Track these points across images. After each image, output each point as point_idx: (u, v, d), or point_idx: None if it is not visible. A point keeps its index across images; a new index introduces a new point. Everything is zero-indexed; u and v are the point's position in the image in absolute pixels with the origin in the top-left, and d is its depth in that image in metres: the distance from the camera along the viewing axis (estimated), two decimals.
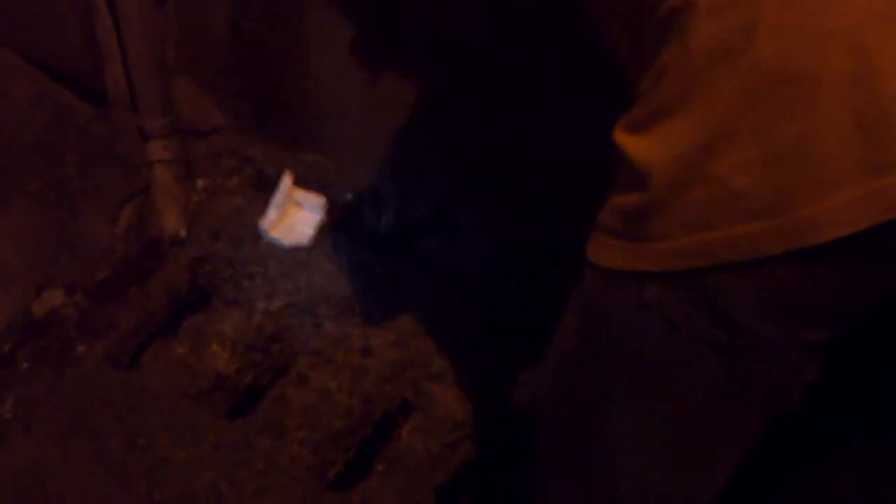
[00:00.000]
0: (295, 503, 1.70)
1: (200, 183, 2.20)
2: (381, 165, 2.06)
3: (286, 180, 2.14)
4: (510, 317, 1.99)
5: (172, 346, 1.95)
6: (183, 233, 2.11)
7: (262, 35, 2.05)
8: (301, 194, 2.15)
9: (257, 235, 2.11)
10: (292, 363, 1.94)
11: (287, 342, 1.98)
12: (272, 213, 2.11)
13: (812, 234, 0.76)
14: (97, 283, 1.98)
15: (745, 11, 0.78)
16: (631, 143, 0.89)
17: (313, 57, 2.01)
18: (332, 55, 1.97)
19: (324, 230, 2.14)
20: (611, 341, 0.98)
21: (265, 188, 2.19)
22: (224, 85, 2.20)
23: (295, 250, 2.09)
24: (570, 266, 1.04)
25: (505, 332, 1.96)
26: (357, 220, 2.14)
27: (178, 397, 1.83)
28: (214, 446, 1.76)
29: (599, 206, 0.98)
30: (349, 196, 2.14)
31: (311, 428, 1.81)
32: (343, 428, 1.83)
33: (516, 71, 1.74)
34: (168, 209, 2.12)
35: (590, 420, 1.06)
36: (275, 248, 2.09)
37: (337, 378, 1.88)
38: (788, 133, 0.76)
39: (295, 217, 2.14)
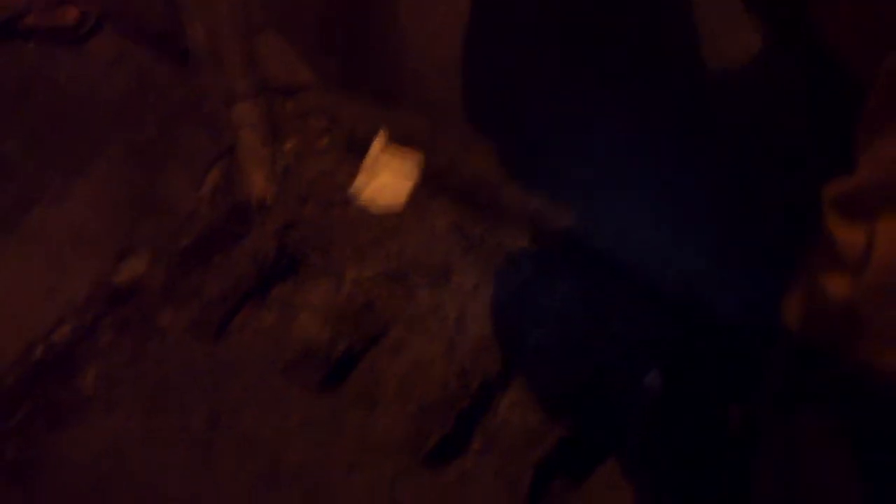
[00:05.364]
0: (387, 481, 1.62)
1: (288, 144, 2.11)
2: None
3: (377, 142, 2.03)
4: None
5: (259, 316, 1.88)
6: (270, 197, 2.02)
7: None
8: (393, 156, 2.04)
9: (347, 200, 2.01)
10: (385, 333, 1.85)
11: (379, 312, 1.89)
12: (362, 177, 2.01)
13: None
14: (181, 249, 1.91)
15: None
16: (843, 231, 0.75)
17: (403, 8, 1.89)
18: (423, 7, 1.86)
19: (416, 194, 2.03)
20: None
21: (356, 149, 2.08)
22: (313, 40, 2.10)
23: (386, 216, 1.99)
24: None
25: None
26: None
27: (266, 370, 1.77)
28: (303, 421, 1.69)
29: None
30: (443, 157, 2.03)
31: (404, 401, 1.72)
32: (438, 400, 1.74)
33: None
34: (255, 172, 2.03)
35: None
36: (365, 214, 1.99)
37: (431, 348, 1.79)
38: None
39: (386, 180, 2.04)
